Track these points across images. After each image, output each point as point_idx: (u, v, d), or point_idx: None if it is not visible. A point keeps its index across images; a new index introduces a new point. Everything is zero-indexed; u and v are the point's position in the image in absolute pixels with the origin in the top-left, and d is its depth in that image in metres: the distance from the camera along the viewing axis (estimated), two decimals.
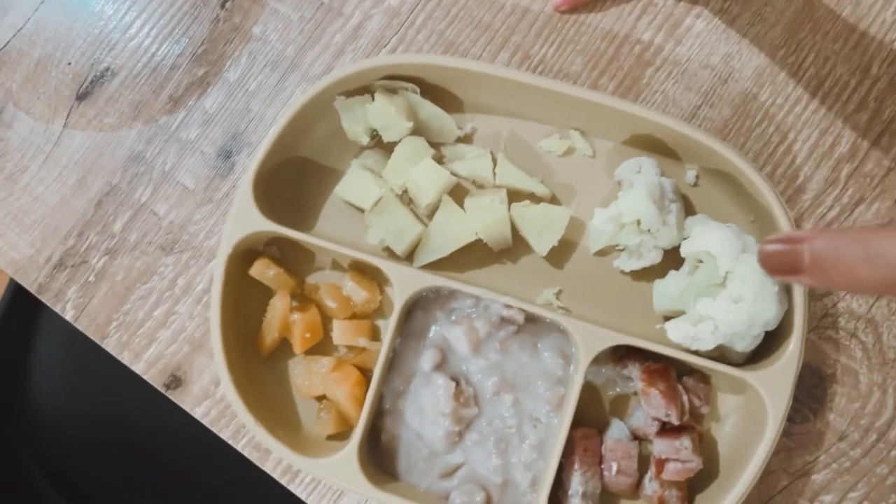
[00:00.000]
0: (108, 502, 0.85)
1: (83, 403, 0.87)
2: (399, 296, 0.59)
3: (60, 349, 0.87)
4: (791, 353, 0.56)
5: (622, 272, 0.62)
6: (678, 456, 0.57)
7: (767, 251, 0.42)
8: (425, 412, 0.59)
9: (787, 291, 0.57)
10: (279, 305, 0.61)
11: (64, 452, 0.86)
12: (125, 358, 0.67)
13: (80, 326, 0.67)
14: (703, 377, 0.60)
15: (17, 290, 0.85)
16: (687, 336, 0.56)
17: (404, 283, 0.59)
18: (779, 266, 0.42)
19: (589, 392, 0.62)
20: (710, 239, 0.56)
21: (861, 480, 0.62)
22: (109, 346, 0.67)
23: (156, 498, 0.85)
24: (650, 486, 0.59)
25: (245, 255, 0.63)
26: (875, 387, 0.62)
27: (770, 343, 0.59)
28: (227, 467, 0.81)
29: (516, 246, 0.63)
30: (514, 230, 0.63)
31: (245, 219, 0.60)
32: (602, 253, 0.63)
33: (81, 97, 0.70)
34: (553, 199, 0.64)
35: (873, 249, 0.36)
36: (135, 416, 0.86)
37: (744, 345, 0.56)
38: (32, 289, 0.68)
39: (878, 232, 0.36)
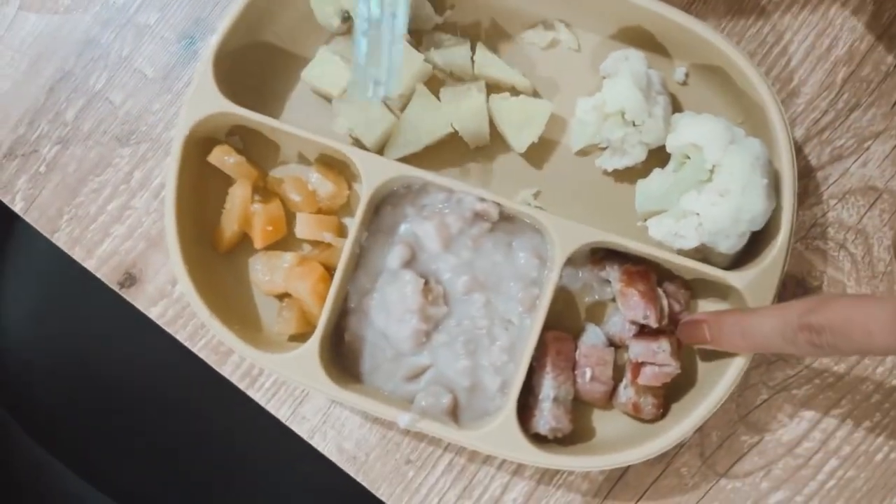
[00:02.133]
0: (75, 434, 0.82)
1: (52, 337, 0.83)
2: (367, 185, 0.55)
3: (29, 281, 0.83)
4: (777, 253, 0.54)
5: (604, 172, 0.59)
6: (655, 359, 0.54)
7: (683, 324, 0.54)
8: (392, 310, 0.56)
9: (775, 189, 0.54)
10: (239, 194, 0.58)
11: (31, 388, 0.82)
12: (76, 254, 0.63)
13: (29, 219, 0.63)
14: (683, 283, 0.58)
15: None
16: (669, 232, 0.53)
17: (372, 171, 0.55)
18: (692, 338, 0.54)
19: (565, 297, 0.59)
20: (697, 130, 0.53)
21: (844, 397, 0.60)
22: (60, 240, 0.63)
23: (128, 430, 0.82)
24: (624, 394, 0.56)
25: (205, 143, 0.59)
26: None
27: (754, 248, 0.56)
28: (201, 396, 0.78)
29: (493, 143, 0.60)
30: (492, 126, 0.59)
31: (204, 99, 0.56)
32: (584, 153, 0.60)
33: None
34: (534, 94, 0.60)
35: (745, 328, 0.49)
36: (106, 348, 0.82)
37: (728, 244, 0.53)
38: None
39: (749, 314, 0.50)
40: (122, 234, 0.63)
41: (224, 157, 0.57)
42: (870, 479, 0.59)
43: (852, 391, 0.59)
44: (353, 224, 0.56)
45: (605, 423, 0.58)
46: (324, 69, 0.58)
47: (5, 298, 0.80)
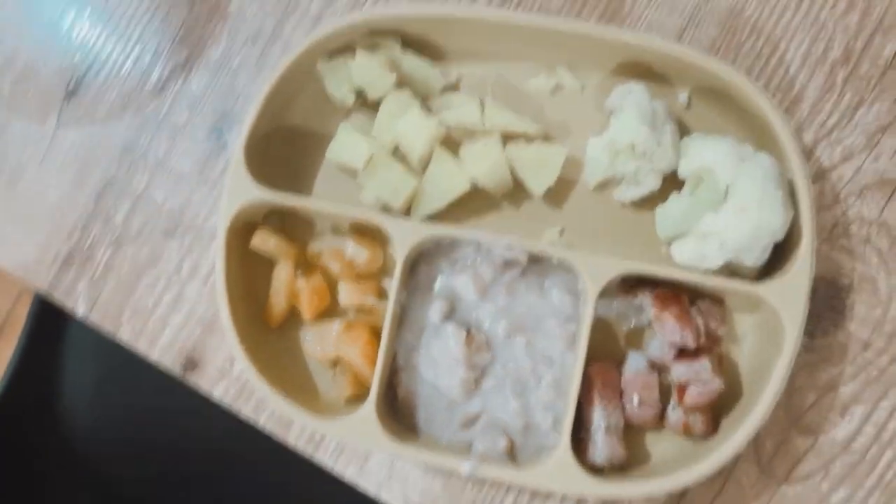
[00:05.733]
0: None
1: (114, 414, 0.88)
2: (400, 249, 0.58)
3: (89, 362, 0.88)
4: (802, 259, 0.55)
5: (623, 204, 0.61)
6: (698, 378, 0.56)
7: None
8: (439, 363, 0.59)
9: (791, 197, 0.56)
10: (283, 274, 0.61)
11: (98, 463, 0.87)
12: (141, 347, 0.67)
13: (93, 320, 0.68)
14: (716, 299, 0.59)
15: (42, 306, 0.85)
16: (693, 254, 0.55)
17: (403, 235, 0.58)
18: None
19: (603, 328, 0.61)
20: (706, 153, 0.55)
21: (892, 388, 0.60)
22: (124, 336, 0.67)
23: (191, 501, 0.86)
24: (674, 415, 0.58)
25: (245, 228, 0.63)
26: (895, 291, 0.61)
27: (780, 256, 0.57)
28: (261, 468, 0.82)
29: (514, 189, 0.63)
30: (511, 173, 0.62)
31: (240, 189, 0.60)
32: (601, 187, 0.62)
33: (70, 95, 0.70)
34: (546, 138, 0.63)
35: None
36: (167, 422, 0.86)
37: (753, 258, 0.55)
38: (44, 288, 0.69)
39: None
40: (179, 322, 0.67)
41: (264, 241, 0.61)
42: None
43: None
44: (392, 286, 0.59)
45: (659, 444, 0.60)
46: (345, 145, 0.62)
47: (69, 376, 0.85)
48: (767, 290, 0.55)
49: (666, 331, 0.56)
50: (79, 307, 0.68)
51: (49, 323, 0.87)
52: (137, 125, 0.69)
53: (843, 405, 0.61)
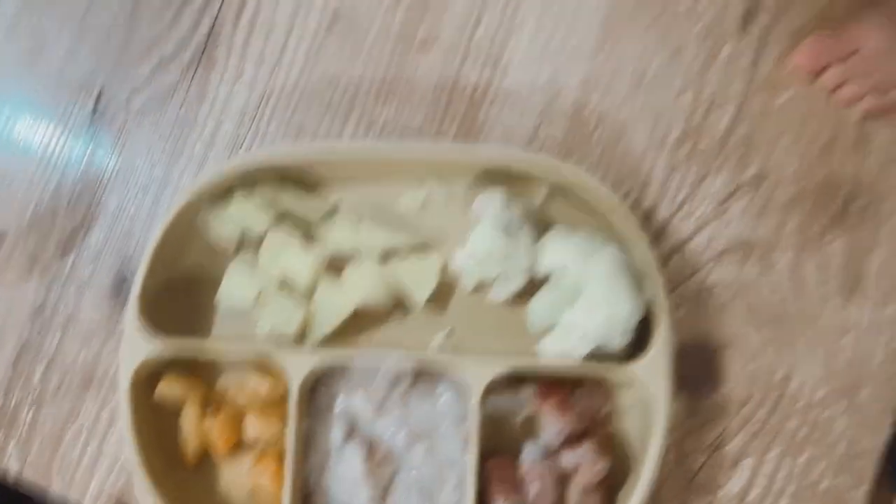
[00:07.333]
0: None
1: None
2: (293, 379, 0.62)
3: None
4: (661, 337, 0.59)
5: (501, 301, 0.65)
6: (584, 462, 0.59)
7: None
8: (345, 483, 0.62)
9: (639, 281, 0.60)
10: (190, 415, 0.65)
11: None
12: (72, 498, 0.70)
13: (26, 478, 0.71)
14: (597, 379, 0.63)
15: None
16: (560, 348, 0.59)
17: (293, 366, 0.62)
18: None
19: (498, 422, 0.64)
20: (556, 254, 0.59)
21: (774, 440, 0.64)
22: (56, 490, 0.70)
23: None
24: (573, 498, 0.61)
25: (151, 377, 0.66)
26: (766, 344, 0.65)
27: (646, 330, 0.61)
28: None
29: (400, 301, 0.66)
30: (394, 287, 0.66)
31: (135, 348, 0.63)
32: (479, 289, 0.66)
33: None
34: (423, 249, 0.67)
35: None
36: None
37: (615, 342, 0.59)
38: None
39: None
40: (105, 470, 0.70)
41: (168, 391, 0.64)
42: None
43: (780, 432, 0.64)
44: (290, 415, 0.62)
45: None
46: (232, 287, 0.66)
47: None
48: (633, 369, 0.59)
49: (549, 421, 0.60)
50: (11, 467, 0.71)
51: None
52: (45, 285, 0.72)
53: (733, 461, 0.64)
